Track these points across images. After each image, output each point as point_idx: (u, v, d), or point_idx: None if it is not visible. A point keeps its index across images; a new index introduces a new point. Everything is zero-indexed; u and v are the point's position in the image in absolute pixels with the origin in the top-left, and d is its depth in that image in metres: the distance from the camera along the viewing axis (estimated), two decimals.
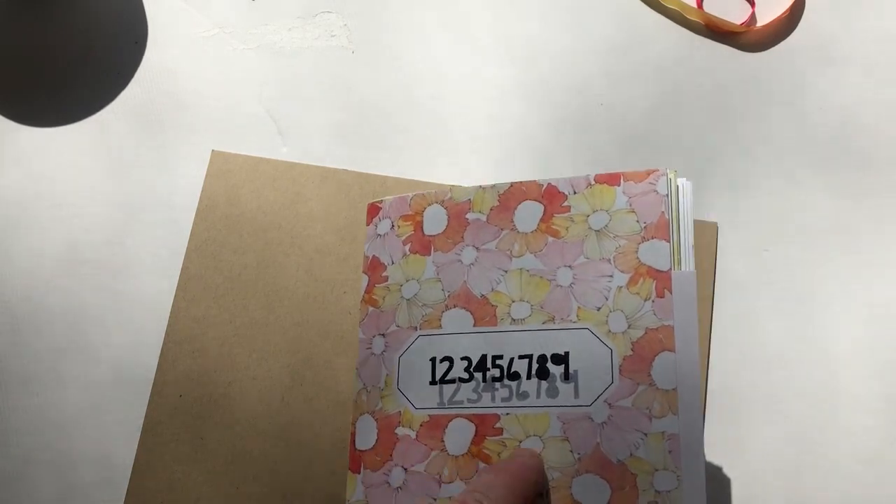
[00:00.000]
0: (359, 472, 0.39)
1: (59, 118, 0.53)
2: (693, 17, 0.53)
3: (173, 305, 0.49)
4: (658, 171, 0.38)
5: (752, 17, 0.54)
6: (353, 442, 0.39)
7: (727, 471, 0.46)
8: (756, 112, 0.52)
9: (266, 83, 0.53)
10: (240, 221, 0.50)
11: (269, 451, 0.46)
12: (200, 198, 0.51)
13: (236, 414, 0.47)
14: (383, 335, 0.40)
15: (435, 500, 0.37)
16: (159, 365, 0.48)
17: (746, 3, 0.54)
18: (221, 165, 0.51)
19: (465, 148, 0.52)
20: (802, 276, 0.49)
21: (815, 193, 0.50)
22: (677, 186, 0.38)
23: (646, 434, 0.35)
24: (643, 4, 0.54)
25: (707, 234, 0.49)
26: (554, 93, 0.53)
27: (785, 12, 0.53)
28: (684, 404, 0.35)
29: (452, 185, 0.41)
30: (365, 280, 0.41)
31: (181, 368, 0.48)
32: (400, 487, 0.37)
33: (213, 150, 0.52)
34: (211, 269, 0.49)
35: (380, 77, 0.53)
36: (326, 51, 0.54)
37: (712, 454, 0.46)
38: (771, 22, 0.53)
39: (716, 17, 0.53)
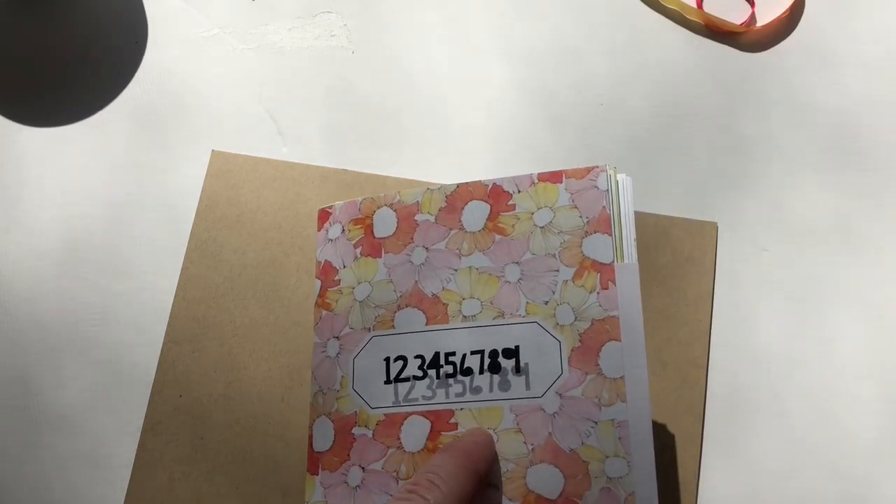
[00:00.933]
0: (317, 474, 0.39)
1: (59, 118, 0.53)
2: (693, 17, 0.53)
3: (173, 305, 0.49)
4: (598, 167, 0.39)
5: (752, 17, 0.54)
6: (311, 444, 0.40)
7: (727, 470, 0.46)
8: (756, 112, 0.52)
9: (266, 83, 0.53)
10: (240, 221, 0.50)
11: (269, 451, 0.46)
12: (200, 198, 0.51)
13: (236, 414, 0.47)
14: (337, 338, 0.41)
15: (391, 496, 0.37)
16: (159, 365, 0.48)
17: (746, 3, 0.54)
18: (221, 165, 0.51)
19: (464, 148, 0.52)
20: (802, 276, 0.49)
21: (815, 193, 0.50)
22: (617, 182, 0.39)
23: (596, 422, 0.36)
24: (643, 4, 0.54)
25: (707, 234, 0.49)
26: (554, 93, 0.53)
27: (785, 12, 0.53)
28: (632, 391, 0.36)
29: (400, 190, 0.42)
30: (318, 285, 0.42)
31: (181, 368, 0.48)
32: (358, 486, 0.38)
33: (213, 150, 0.52)
34: (211, 269, 0.49)
35: (380, 77, 0.53)
36: (326, 51, 0.54)
37: (712, 454, 0.46)
38: (771, 22, 0.53)
39: (716, 17, 0.53)
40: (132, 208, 0.51)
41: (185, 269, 0.50)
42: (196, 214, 0.50)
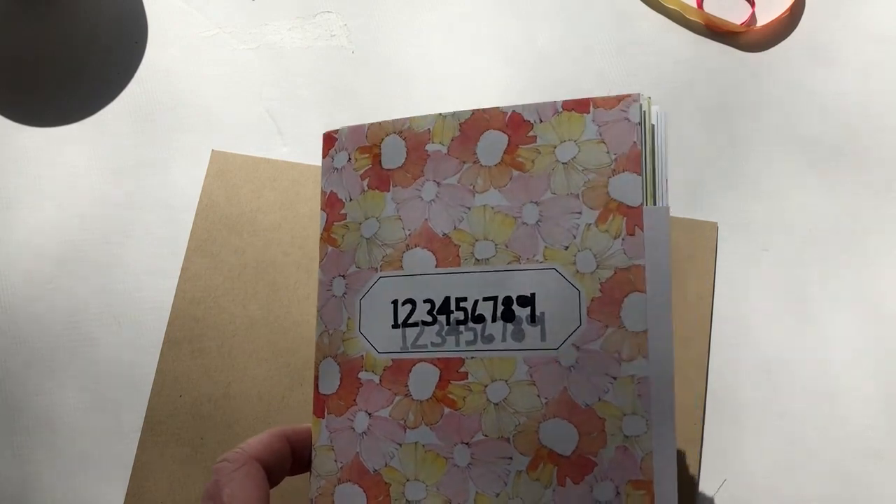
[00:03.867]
0: (323, 417, 0.37)
1: (59, 118, 0.53)
2: (693, 17, 0.53)
3: (173, 305, 0.49)
4: (630, 96, 0.35)
5: (752, 17, 0.54)
6: (316, 386, 0.38)
7: (726, 470, 0.46)
8: (756, 112, 0.52)
9: (266, 83, 0.53)
10: (240, 221, 0.50)
11: None
12: (200, 198, 0.51)
13: (236, 414, 0.47)
14: (343, 276, 0.38)
15: (400, 445, 0.36)
16: (159, 365, 0.48)
17: (746, 3, 0.54)
18: (221, 165, 0.51)
19: None
20: (802, 276, 0.49)
21: (814, 193, 0.50)
22: (653, 117, 0.36)
23: (615, 378, 0.34)
24: (643, 4, 0.54)
25: (707, 234, 0.49)
26: (554, 93, 0.53)
27: (785, 12, 0.53)
28: (655, 347, 0.34)
29: (410, 117, 0.39)
30: (323, 217, 0.39)
31: (181, 368, 0.48)
32: (365, 433, 0.37)
33: (213, 150, 0.52)
34: (211, 269, 0.49)
35: (380, 77, 0.53)
36: (326, 51, 0.54)
37: (712, 454, 0.46)
38: (771, 22, 0.53)
39: (716, 17, 0.53)
40: (132, 208, 0.51)
41: (185, 269, 0.50)
42: (196, 214, 0.50)
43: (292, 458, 0.37)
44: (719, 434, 0.46)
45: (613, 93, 0.52)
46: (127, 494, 0.46)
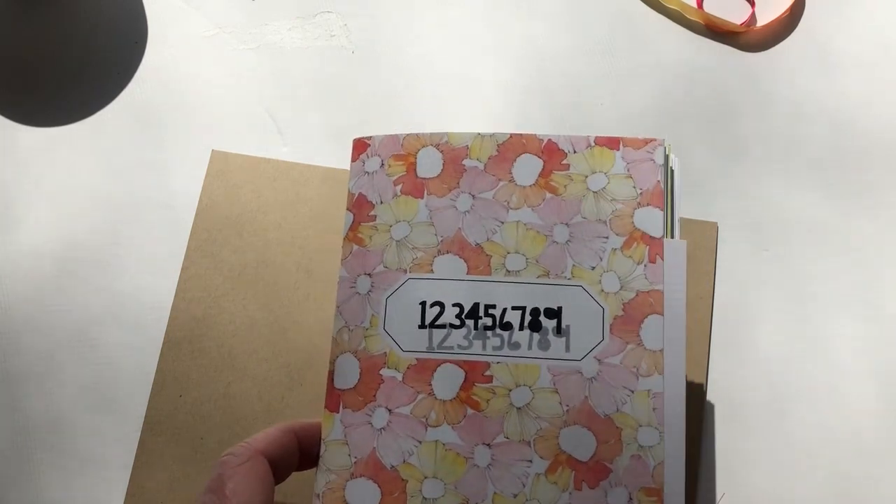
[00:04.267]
0: (337, 412, 0.38)
1: (59, 118, 0.53)
2: (693, 17, 0.53)
3: (173, 305, 0.49)
4: (656, 140, 0.39)
5: (752, 17, 0.54)
6: (331, 380, 0.39)
7: (726, 470, 0.46)
8: (756, 112, 0.52)
9: (266, 83, 0.53)
10: (240, 221, 0.50)
11: None
12: (200, 198, 0.51)
13: (236, 414, 0.47)
14: (369, 275, 0.40)
15: (420, 442, 0.37)
16: (159, 365, 0.48)
17: (746, 3, 0.54)
18: (221, 165, 0.51)
19: None
20: (802, 276, 0.49)
21: (814, 193, 0.50)
22: (671, 164, 0.40)
23: (632, 391, 0.37)
24: (643, 4, 0.54)
25: (707, 234, 0.49)
26: (554, 93, 0.53)
27: (785, 12, 0.53)
28: (670, 365, 0.37)
29: (447, 132, 0.41)
30: (349, 218, 0.41)
31: (181, 368, 0.48)
32: (383, 428, 0.38)
33: (213, 150, 0.52)
34: (211, 269, 0.49)
35: (380, 77, 0.53)
36: (326, 51, 0.54)
37: (712, 453, 0.46)
38: (771, 22, 0.53)
39: (716, 17, 0.53)
40: (132, 208, 0.51)
41: (185, 269, 0.50)
42: (196, 214, 0.50)
43: (300, 452, 0.37)
44: (718, 433, 0.46)
45: (613, 92, 0.52)
46: (127, 494, 0.46)
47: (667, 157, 0.39)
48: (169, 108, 0.53)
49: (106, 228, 0.51)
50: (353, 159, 0.42)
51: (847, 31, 0.53)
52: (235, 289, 0.49)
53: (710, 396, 0.47)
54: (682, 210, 0.50)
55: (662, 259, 0.38)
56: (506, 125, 0.52)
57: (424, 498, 0.36)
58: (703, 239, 0.49)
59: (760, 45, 0.53)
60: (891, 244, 0.49)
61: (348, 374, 0.39)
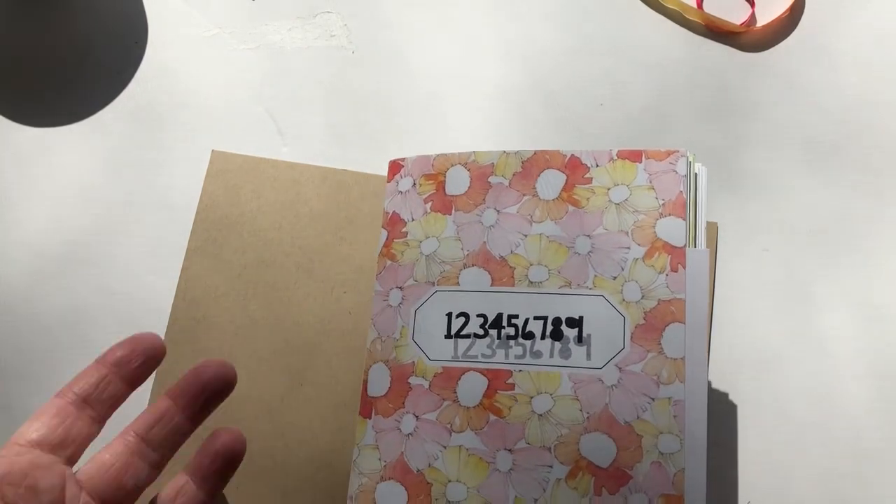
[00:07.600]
0: (370, 418, 0.40)
1: (59, 118, 0.53)
2: (693, 17, 0.54)
3: (173, 305, 0.49)
4: (678, 151, 0.40)
5: (752, 17, 0.54)
6: (365, 388, 0.41)
7: (725, 470, 0.46)
8: (756, 112, 0.52)
9: (266, 83, 0.53)
10: (240, 221, 0.50)
11: (269, 451, 0.46)
12: (200, 198, 0.51)
13: (236, 414, 0.47)
14: (401, 288, 0.41)
15: (444, 447, 0.38)
16: (159, 365, 0.48)
17: (746, 3, 0.54)
18: (221, 165, 0.51)
19: (464, 148, 0.52)
20: (802, 276, 0.49)
21: (815, 193, 0.50)
22: (696, 171, 0.40)
23: (653, 399, 0.37)
24: (643, 4, 0.54)
25: (707, 234, 0.49)
26: (554, 93, 0.53)
27: (785, 12, 0.53)
28: (691, 373, 0.37)
29: (475, 151, 0.43)
30: (384, 235, 0.43)
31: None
32: (411, 434, 0.39)
33: (213, 150, 0.52)
34: (211, 269, 0.49)
35: (380, 77, 0.53)
36: (326, 51, 0.54)
37: (712, 453, 0.46)
38: (771, 22, 0.53)
39: (716, 17, 0.53)
40: (132, 208, 0.51)
41: (185, 269, 0.50)
42: (196, 214, 0.50)
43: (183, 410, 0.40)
44: (718, 433, 0.46)
45: (613, 92, 0.52)
46: None
47: (689, 166, 0.40)
48: (169, 108, 0.53)
49: (106, 228, 0.51)
50: (388, 180, 0.44)
51: (847, 31, 0.53)
52: (235, 289, 0.49)
53: (709, 396, 0.47)
54: None
55: (684, 268, 0.38)
56: (506, 125, 0.52)
57: (448, 501, 0.37)
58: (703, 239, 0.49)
59: (760, 45, 0.53)
60: (891, 244, 0.49)
61: (380, 383, 0.40)
